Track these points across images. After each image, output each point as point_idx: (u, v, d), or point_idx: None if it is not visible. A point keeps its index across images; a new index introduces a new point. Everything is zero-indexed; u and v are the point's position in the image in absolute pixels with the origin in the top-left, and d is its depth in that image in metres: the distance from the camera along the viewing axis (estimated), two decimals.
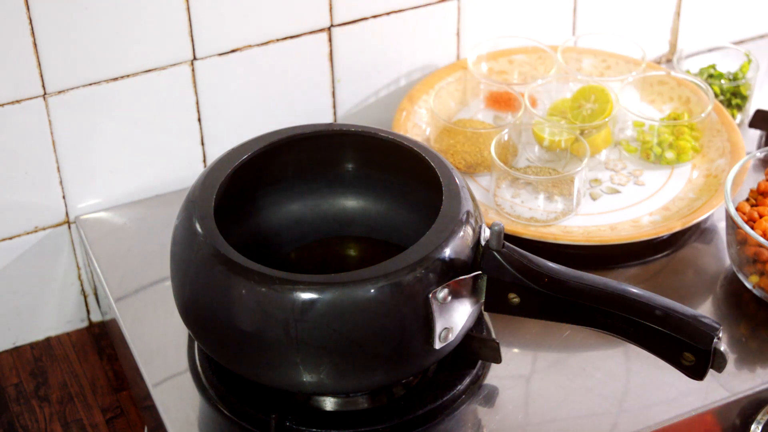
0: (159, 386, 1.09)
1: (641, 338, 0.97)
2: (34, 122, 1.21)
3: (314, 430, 1.02)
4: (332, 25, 1.31)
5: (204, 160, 1.33)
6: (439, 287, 0.95)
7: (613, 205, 1.27)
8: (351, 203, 1.17)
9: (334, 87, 1.36)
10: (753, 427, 1.09)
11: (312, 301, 0.93)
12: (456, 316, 0.98)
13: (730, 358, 1.11)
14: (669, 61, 1.57)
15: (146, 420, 1.18)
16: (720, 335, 0.94)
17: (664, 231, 1.21)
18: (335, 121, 1.39)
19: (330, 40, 1.32)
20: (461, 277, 0.97)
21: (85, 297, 1.34)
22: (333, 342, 0.94)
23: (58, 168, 1.25)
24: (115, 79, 1.23)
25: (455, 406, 1.05)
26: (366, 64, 1.37)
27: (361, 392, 1.04)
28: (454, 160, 1.30)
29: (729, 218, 1.16)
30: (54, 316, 1.33)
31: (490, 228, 0.99)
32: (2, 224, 1.25)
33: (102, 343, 1.32)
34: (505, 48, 1.43)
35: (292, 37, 1.30)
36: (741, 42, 1.59)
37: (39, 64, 1.18)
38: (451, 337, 0.99)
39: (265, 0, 1.25)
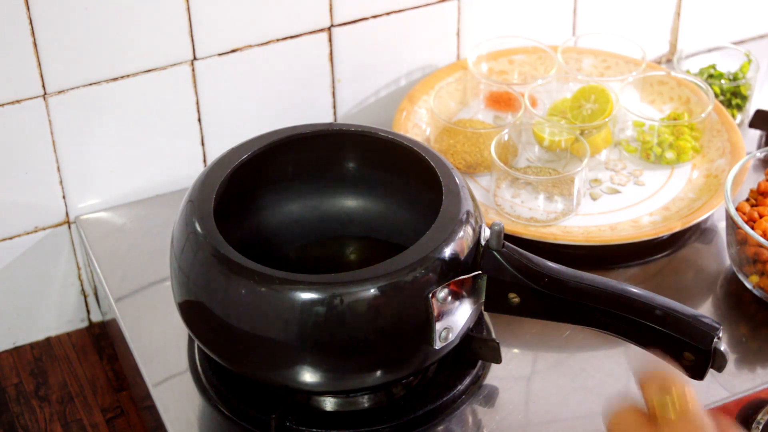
0: (159, 386, 1.09)
1: (641, 338, 0.97)
2: (34, 122, 1.21)
3: (314, 430, 1.02)
4: (332, 25, 1.31)
5: (204, 160, 1.33)
6: (439, 287, 0.95)
7: (613, 205, 1.27)
8: (351, 203, 1.17)
9: (334, 87, 1.36)
10: (753, 426, 1.09)
11: (312, 301, 0.93)
12: (456, 316, 0.98)
13: (730, 358, 1.11)
14: (669, 61, 1.57)
15: (146, 420, 1.18)
16: (720, 335, 0.94)
17: (664, 231, 1.21)
18: (335, 121, 1.39)
19: (330, 40, 1.32)
20: (461, 277, 0.97)
21: (85, 297, 1.34)
22: (333, 342, 0.94)
23: (58, 168, 1.25)
24: (115, 79, 1.23)
25: (455, 406, 1.05)
26: (366, 64, 1.37)
27: (361, 392, 1.04)
28: (454, 160, 1.30)
29: (729, 218, 1.16)
30: (54, 316, 1.33)
31: (490, 228, 0.99)
32: (2, 224, 1.25)
33: (102, 343, 1.32)
34: (505, 48, 1.43)
35: (292, 37, 1.30)
36: (741, 42, 1.59)
37: (39, 64, 1.18)
38: (451, 337, 0.99)
39: (265, 0, 1.25)
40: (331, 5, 1.29)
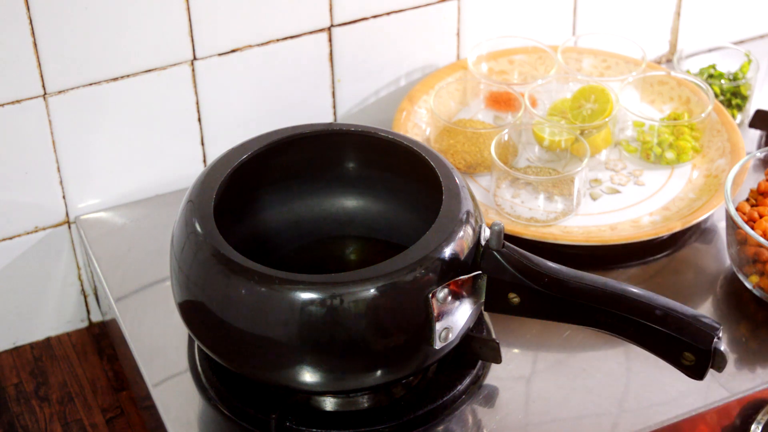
0: (159, 386, 1.09)
1: (641, 338, 0.97)
2: (34, 122, 1.21)
3: (314, 430, 1.02)
4: (332, 25, 1.31)
5: (204, 160, 1.33)
6: (439, 287, 0.95)
7: (613, 205, 1.27)
8: (351, 203, 1.17)
9: (334, 87, 1.36)
10: (753, 427, 1.09)
11: (312, 301, 0.93)
12: (456, 316, 0.98)
13: (730, 358, 1.11)
14: (669, 61, 1.57)
15: (146, 420, 1.18)
16: (720, 335, 0.94)
17: (664, 231, 1.21)
18: (335, 121, 1.39)
19: (330, 40, 1.32)
20: (461, 277, 0.97)
21: (85, 297, 1.34)
22: (333, 342, 0.94)
23: (58, 168, 1.25)
24: (115, 79, 1.23)
25: (455, 406, 1.05)
26: (366, 64, 1.37)
27: (361, 392, 1.04)
28: (454, 160, 1.30)
29: (729, 218, 1.16)
30: (54, 316, 1.33)
31: (490, 228, 0.99)
32: (2, 224, 1.25)
33: (102, 343, 1.32)
34: (505, 48, 1.43)
35: (292, 37, 1.30)
36: (741, 42, 1.59)
37: (39, 64, 1.18)
38: (451, 337, 0.99)
39: (265, 0, 1.25)
40: (331, 5, 1.30)
